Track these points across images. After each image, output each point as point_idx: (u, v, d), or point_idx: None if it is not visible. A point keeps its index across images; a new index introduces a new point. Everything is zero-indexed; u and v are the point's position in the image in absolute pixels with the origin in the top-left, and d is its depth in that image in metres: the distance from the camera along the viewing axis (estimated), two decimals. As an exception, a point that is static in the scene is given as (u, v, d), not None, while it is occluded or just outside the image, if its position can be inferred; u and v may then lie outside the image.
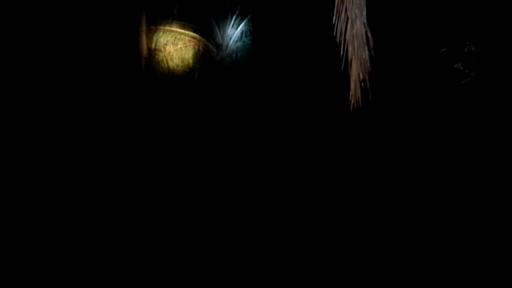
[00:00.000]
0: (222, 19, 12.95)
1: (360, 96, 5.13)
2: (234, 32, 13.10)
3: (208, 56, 12.89)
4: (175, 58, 12.43)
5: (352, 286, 6.43)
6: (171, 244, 7.72)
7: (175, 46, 12.49)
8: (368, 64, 5.14)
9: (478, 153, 6.54)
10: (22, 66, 10.31)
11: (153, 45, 12.26)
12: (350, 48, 5.18)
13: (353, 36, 5.14)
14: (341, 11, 5.17)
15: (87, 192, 9.04)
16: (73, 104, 10.59)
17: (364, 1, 5.15)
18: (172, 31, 12.49)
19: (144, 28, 12.09)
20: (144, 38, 12.11)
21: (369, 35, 5.12)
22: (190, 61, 12.66)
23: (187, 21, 12.60)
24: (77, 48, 11.05)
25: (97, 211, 8.64)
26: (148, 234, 8.01)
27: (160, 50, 12.36)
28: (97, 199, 8.91)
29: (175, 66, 12.40)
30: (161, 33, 12.35)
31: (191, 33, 12.73)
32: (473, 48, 5.31)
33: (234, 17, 12.99)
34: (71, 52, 10.96)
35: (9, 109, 9.86)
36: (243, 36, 13.07)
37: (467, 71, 5.14)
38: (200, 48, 12.88)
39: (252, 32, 13.03)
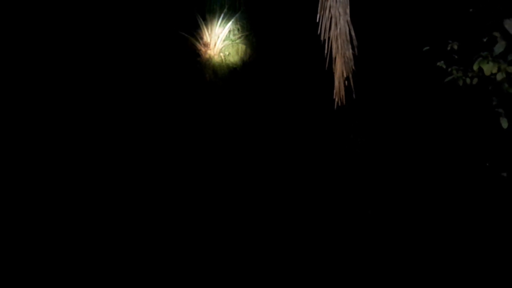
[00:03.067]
0: (209, 17, 12.94)
1: (344, 94, 5.19)
2: (222, 31, 13.09)
3: (195, 54, 12.87)
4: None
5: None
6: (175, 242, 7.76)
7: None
8: (352, 62, 5.19)
9: (461, 151, 6.64)
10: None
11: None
12: (334, 46, 5.23)
13: (337, 35, 5.18)
14: (325, 9, 5.21)
15: (91, 190, 9.12)
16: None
17: (348, 0, 5.18)
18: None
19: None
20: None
21: (353, 33, 5.17)
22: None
23: (173, 19, 12.59)
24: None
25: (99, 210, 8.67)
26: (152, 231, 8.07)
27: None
28: (101, 197, 8.98)
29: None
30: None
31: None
32: (455, 47, 5.37)
33: (222, 16, 12.97)
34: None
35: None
36: (231, 34, 13.06)
37: (449, 69, 5.20)
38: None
39: (240, 31, 13.05)
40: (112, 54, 11.45)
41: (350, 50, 5.18)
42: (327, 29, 5.21)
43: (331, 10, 5.20)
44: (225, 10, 12.79)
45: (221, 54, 12.75)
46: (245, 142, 10.34)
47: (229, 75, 12.23)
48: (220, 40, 12.81)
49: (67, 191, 8.88)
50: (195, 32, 12.89)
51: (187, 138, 10.78)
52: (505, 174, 4.95)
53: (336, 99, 5.22)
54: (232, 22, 12.79)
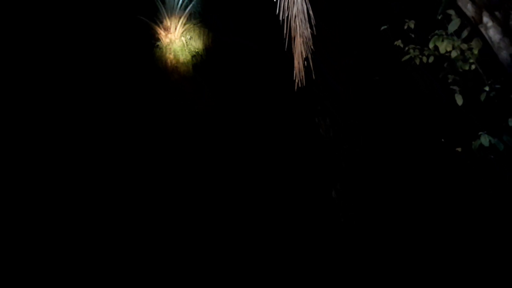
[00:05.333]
0: (169, 0, 12.58)
1: (303, 75, 5.14)
2: (182, 14, 12.76)
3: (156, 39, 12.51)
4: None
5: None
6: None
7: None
8: (311, 42, 5.14)
9: (418, 128, 6.77)
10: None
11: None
12: (292, 26, 5.15)
13: (295, 14, 5.10)
14: (283, -12, 5.10)
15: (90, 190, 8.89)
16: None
17: (305, -22, 5.09)
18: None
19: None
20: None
21: (311, 12, 5.10)
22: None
23: (131, 4, 12.14)
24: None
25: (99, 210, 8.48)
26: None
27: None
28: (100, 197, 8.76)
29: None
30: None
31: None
32: (412, 25, 5.42)
33: (181, -1, 12.64)
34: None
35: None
36: (192, 17, 12.77)
37: (406, 48, 5.24)
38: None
39: (202, 14, 12.76)
40: (70, 42, 11.01)
41: (309, 30, 5.13)
42: (285, 8, 5.12)
43: (289, -11, 5.11)
44: (185, -7, 12.46)
45: (183, 38, 12.44)
46: (207, 129, 10.20)
47: (191, 59, 11.97)
48: (181, 23, 12.49)
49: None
50: (154, 16, 12.50)
51: (147, 125, 10.54)
52: (459, 149, 5.08)
53: (296, 80, 5.17)
54: (193, 4, 12.48)
